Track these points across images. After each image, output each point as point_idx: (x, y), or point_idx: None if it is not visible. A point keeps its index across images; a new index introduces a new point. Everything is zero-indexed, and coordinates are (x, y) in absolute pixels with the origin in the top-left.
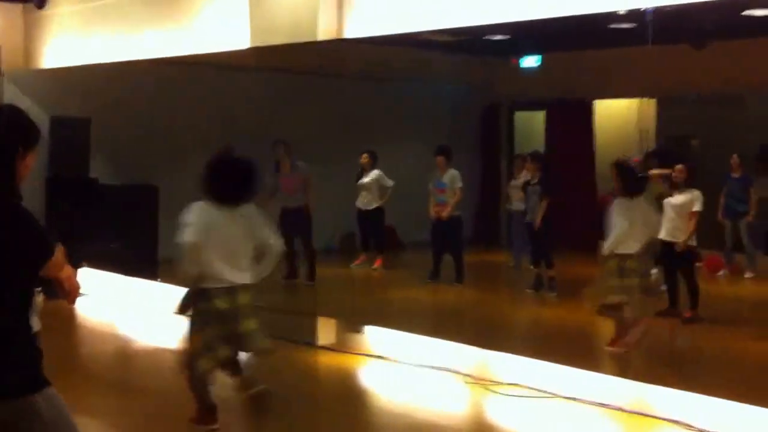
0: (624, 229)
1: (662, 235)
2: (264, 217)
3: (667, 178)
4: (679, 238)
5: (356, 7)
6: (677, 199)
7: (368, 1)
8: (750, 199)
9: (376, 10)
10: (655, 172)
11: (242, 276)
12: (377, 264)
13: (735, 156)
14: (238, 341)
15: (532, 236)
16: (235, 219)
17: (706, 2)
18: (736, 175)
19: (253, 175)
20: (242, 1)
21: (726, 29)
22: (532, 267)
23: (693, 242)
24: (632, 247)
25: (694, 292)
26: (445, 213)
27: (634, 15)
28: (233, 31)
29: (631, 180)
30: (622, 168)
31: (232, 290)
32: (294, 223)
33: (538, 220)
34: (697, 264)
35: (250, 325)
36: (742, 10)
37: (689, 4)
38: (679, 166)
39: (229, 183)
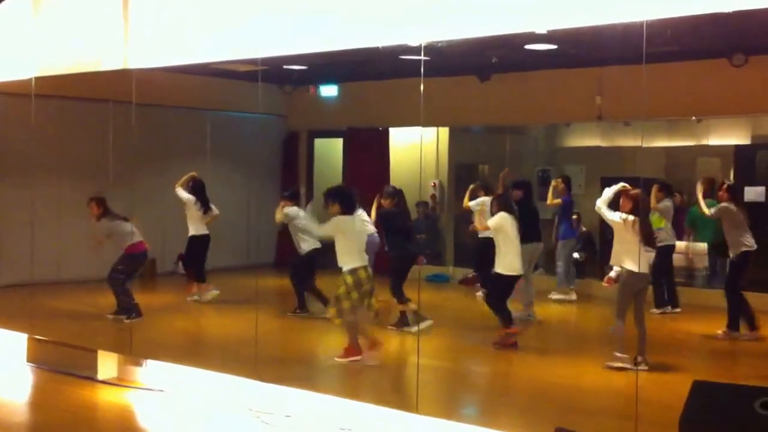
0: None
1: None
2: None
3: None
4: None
5: (144, 37)
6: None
7: (156, 31)
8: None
9: (164, 41)
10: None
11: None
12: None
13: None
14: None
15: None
16: None
17: (492, 36)
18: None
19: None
20: (26, 30)
21: (510, 62)
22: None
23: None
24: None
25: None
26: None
27: (425, 47)
28: (17, 61)
29: None
30: None
31: None
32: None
33: None
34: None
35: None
36: (525, 44)
37: (475, 38)
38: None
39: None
